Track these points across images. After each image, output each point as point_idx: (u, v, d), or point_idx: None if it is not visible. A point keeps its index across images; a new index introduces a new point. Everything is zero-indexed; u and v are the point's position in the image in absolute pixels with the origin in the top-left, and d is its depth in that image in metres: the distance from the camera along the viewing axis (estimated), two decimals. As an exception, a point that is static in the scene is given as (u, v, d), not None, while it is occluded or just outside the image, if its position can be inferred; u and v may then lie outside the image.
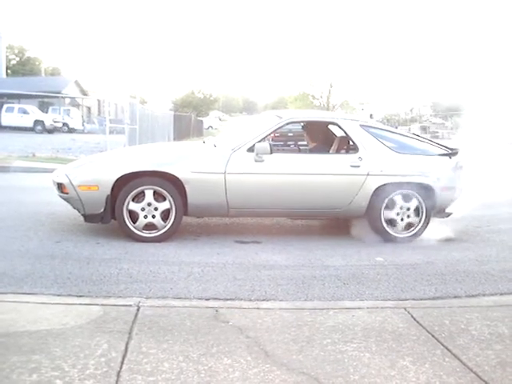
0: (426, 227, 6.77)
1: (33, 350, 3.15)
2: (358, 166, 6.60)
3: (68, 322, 3.62)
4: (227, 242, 6.37)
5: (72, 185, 6.16)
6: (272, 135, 7.51)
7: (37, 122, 37.22)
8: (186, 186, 6.20)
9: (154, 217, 6.20)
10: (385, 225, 6.68)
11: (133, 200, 6.17)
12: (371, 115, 46.93)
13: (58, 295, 4.31)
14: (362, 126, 6.90)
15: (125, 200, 6.13)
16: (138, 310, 3.92)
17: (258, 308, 4.14)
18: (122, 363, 3.04)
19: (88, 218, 6.32)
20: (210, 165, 6.34)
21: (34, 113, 38.25)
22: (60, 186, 6.33)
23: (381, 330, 3.73)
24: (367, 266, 5.64)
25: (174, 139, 31.37)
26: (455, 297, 4.76)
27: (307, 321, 3.87)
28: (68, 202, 6.43)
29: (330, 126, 7.65)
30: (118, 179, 6.10)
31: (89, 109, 55.79)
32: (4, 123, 36.05)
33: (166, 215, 6.24)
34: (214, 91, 77.97)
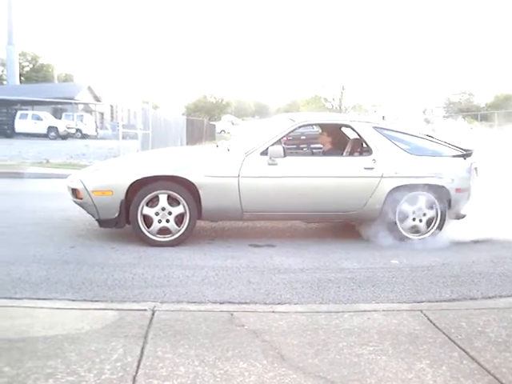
0: (440, 229, 6.73)
1: (48, 355, 3.16)
2: (372, 168, 6.57)
3: (83, 327, 3.63)
4: (241, 246, 6.36)
5: (86, 190, 6.18)
6: (285, 138, 7.50)
7: (50, 129, 37.50)
8: (199, 190, 6.21)
9: (168, 221, 6.20)
10: (399, 227, 6.64)
11: (147, 205, 6.18)
12: (383, 117, 46.75)
13: (73, 300, 4.32)
14: (375, 127, 6.87)
15: (139, 205, 6.14)
16: (153, 314, 3.92)
17: (273, 311, 4.12)
18: (138, 368, 3.04)
19: (102, 222, 6.34)
20: (224, 169, 6.34)
21: (47, 119, 38.51)
22: (74, 192, 6.35)
23: (397, 333, 3.71)
24: (382, 268, 5.62)
25: (187, 144, 31.43)
26: (471, 299, 4.72)
27: (323, 324, 3.86)
28: (82, 207, 6.45)
29: (343, 129, 7.63)
30: (131, 184, 6.12)
31: (102, 114, 56.10)
32: (18, 130, 36.33)
33: (180, 219, 6.25)
34: (226, 95, 78.13)
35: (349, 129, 7.17)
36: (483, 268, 5.69)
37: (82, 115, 45.89)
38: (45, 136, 36.22)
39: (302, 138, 20.44)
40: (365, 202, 6.56)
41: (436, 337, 3.66)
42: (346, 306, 4.40)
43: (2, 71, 66.26)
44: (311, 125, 8.02)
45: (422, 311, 4.16)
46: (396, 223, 6.63)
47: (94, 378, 2.90)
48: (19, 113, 37.65)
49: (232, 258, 5.80)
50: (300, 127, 6.93)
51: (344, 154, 7.16)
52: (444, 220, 6.72)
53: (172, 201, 6.22)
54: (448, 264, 5.82)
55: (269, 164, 6.39)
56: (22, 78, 62.40)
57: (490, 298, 4.77)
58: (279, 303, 4.43)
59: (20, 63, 61.37)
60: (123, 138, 20.40)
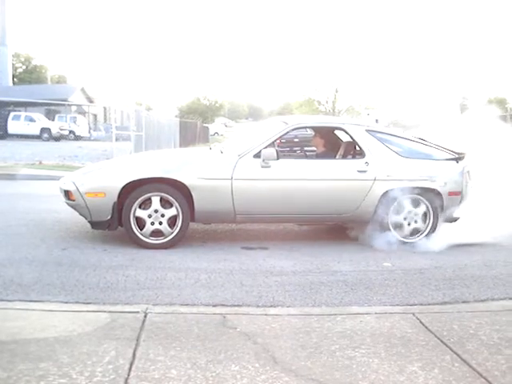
0: (433, 232, 6.74)
1: (40, 357, 3.15)
2: (365, 171, 6.58)
3: (75, 329, 3.61)
4: (234, 248, 6.36)
5: (79, 192, 6.17)
6: (278, 141, 7.51)
7: (43, 130, 37.33)
8: (192, 192, 6.20)
9: (160, 223, 6.19)
10: (392, 229, 6.66)
11: (140, 207, 6.16)
12: (377, 120, 46.86)
13: (66, 302, 4.31)
14: (368, 130, 6.88)
15: (132, 207, 6.12)
16: (145, 316, 3.91)
17: (265, 314, 4.12)
18: (130, 370, 3.03)
19: (95, 224, 6.33)
20: (217, 171, 6.33)
21: (40, 120, 38.36)
22: (67, 193, 6.34)
23: (389, 336, 3.71)
24: (375, 271, 5.62)
25: (180, 146, 31.40)
26: (463, 302, 4.73)
27: (315, 327, 3.86)
28: (75, 209, 6.43)
29: (336, 132, 7.64)
30: (124, 186, 6.10)
31: (95, 116, 56.02)
32: (11, 131, 36.17)
33: (172, 222, 6.24)
34: (220, 98, 78.33)
35: (342, 132, 7.19)
36: (476, 271, 5.70)
37: (75, 117, 45.76)
38: (38, 137, 36.06)
39: (295, 140, 20.45)
40: (358, 204, 6.57)
41: (428, 340, 3.66)
42: (339, 309, 4.40)
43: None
44: (304, 127, 8.03)
45: (414, 314, 4.17)
46: (389, 226, 6.64)
47: (85, 380, 2.89)
48: (12, 114, 37.47)
49: (224, 261, 5.79)
50: (293, 130, 6.92)
51: (337, 156, 7.18)
52: (436, 223, 6.74)
53: (165, 203, 6.21)
54: (440, 267, 5.83)
55: (262, 166, 6.39)
56: (15, 80, 62.21)
57: (482, 301, 4.78)
58: (272, 306, 4.43)
59: (13, 64, 61.16)
60: (116, 139, 20.38)
